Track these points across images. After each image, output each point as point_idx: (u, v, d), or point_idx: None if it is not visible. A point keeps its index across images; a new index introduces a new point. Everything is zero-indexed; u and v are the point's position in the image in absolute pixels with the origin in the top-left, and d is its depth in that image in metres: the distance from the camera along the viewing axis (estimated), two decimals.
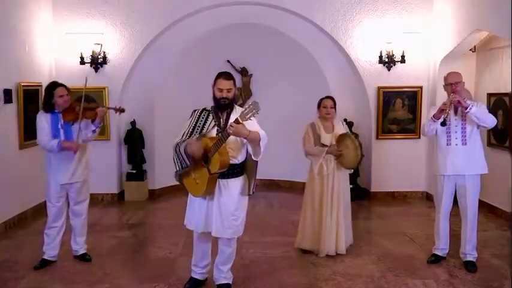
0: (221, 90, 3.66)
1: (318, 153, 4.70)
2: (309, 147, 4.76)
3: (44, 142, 4.35)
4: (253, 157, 3.65)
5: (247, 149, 3.72)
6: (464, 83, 4.46)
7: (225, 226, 3.70)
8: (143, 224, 6.13)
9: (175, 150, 3.64)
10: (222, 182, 3.68)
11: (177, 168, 3.69)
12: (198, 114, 3.77)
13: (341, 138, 4.69)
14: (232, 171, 3.67)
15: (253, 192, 3.81)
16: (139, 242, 5.34)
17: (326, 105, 4.76)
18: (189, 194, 3.83)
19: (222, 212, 3.69)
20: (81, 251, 4.70)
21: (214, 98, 3.72)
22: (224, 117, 3.72)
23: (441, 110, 4.31)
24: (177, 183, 3.86)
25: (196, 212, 3.77)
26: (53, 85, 4.44)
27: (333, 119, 4.82)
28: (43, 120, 4.39)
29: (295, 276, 4.36)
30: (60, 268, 4.51)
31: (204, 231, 3.78)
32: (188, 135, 3.68)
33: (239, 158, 3.70)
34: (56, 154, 4.37)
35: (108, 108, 5.03)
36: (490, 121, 4.30)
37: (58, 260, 4.61)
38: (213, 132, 3.67)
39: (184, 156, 3.59)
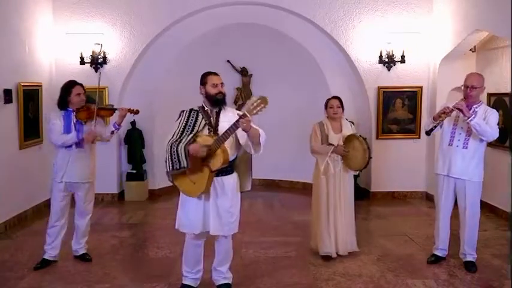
0: (215, 86, 3.67)
1: (324, 152, 4.64)
2: (316, 145, 4.71)
3: (63, 139, 4.34)
4: (253, 152, 3.66)
5: (238, 146, 3.73)
6: (484, 88, 4.43)
7: (223, 224, 3.71)
8: (143, 224, 6.13)
9: (171, 150, 3.57)
10: (216, 180, 3.67)
11: (169, 169, 3.61)
12: (187, 114, 3.74)
13: (349, 139, 4.65)
14: (226, 168, 3.67)
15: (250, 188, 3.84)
16: (139, 242, 5.34)
17: (333, 105, 4.73)
18: (181, 196, 3.78)
19: (219, 210, 3.68)
20: (81, 251, 4.70)
21: (208, 96, 3.70)
22: (214, 116, 3.72)
23: (441, 114, 4.31)
24: None
25: (193, 213, 3.71)
26: (72, 83, 4.50)
27: (341, 118, 4.79)
28: (56, 118, 4.41)
29: (295, 276, 4.36)
30: (60, 268, 4.51)
31: (202, 232, 3.75)
32: (179, 134, 3.64)
33: (231, 156, 3.70)
34: (70, 152, 4.38)
35: (129, 110, 4.74)
36: (489, 135, 4.25)
37: (58, 260, 4.60)
38: (205, 132, 3.66)
39: (183, 157, 3.50)
